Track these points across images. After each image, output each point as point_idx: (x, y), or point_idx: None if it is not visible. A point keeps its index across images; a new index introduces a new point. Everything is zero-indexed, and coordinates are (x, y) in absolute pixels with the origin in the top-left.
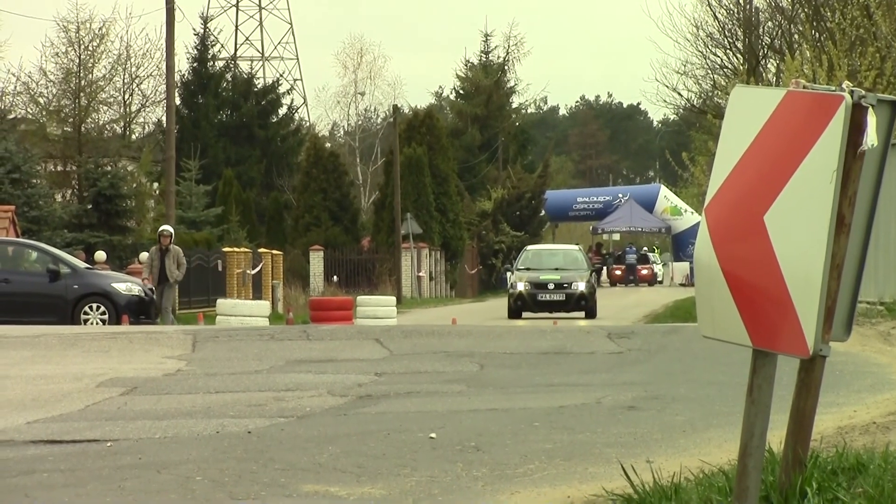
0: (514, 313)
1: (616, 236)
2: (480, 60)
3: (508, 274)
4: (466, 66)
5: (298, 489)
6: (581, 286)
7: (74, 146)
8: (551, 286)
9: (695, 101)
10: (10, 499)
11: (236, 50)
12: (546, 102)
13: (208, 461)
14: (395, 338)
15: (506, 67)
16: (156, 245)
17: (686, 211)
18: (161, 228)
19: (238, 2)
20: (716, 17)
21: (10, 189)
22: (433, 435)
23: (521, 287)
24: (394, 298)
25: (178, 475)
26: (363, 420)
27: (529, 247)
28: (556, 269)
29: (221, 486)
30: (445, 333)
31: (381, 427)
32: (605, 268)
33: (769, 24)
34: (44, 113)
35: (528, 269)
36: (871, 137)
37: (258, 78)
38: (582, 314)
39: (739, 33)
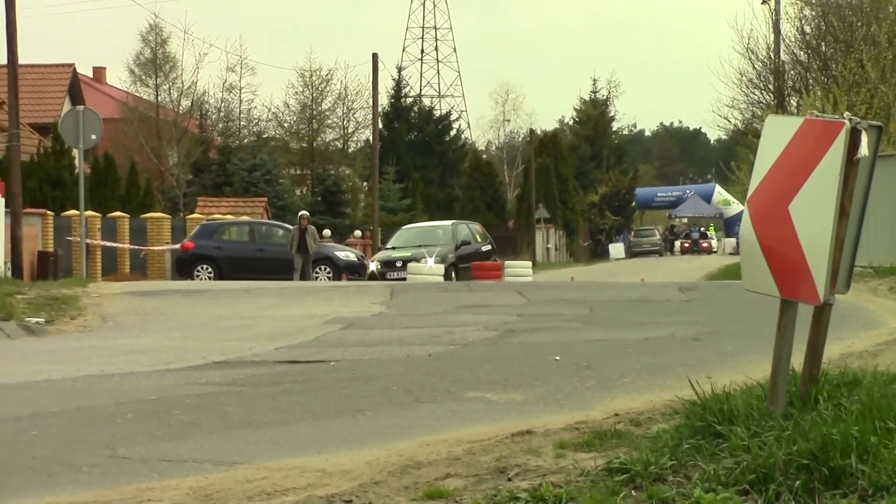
0: None
1: (685, 220)
2: (590, 97)
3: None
4: (581, 101)
5: (463, 395)
6: (430, 262)
7: (308, 156)
8: (399, 264)
9: (740, 126)
10: (263, 401)
11: (421, 90)
12: (636, 126)
13: (401, 375)
14: (531, 290)
15: (608, 102)
16: (297, 225)
17: (733, 202)
18: (300, 213)
19: (422, 57)
20: (754, 67)
21: (264, 186)
22: (557, 357)
23: (372, 267)
24: (530, 262)
25: (380, 385)
26: (508, 347)
27: (405, 226)
28: (419, 245)
29: (410, 393)
30: (566, 287)
31: (521, 352)
32: (677, 241)
33: (791, 72)
34: (287, 134)
35: (393, 247)
36: (863, 150)
37: (436, 110)
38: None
39: (771, 79)
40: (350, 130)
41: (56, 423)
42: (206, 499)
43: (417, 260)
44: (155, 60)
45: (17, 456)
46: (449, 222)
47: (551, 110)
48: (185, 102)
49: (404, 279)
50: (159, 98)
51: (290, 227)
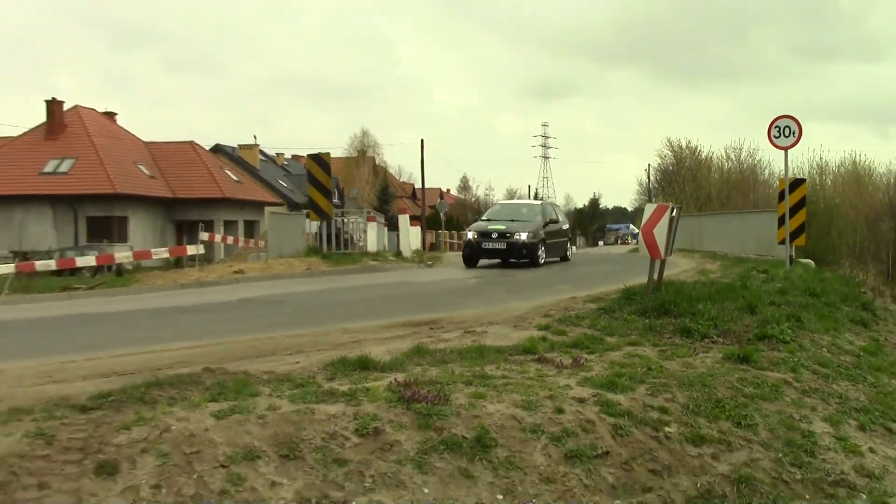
0: (467, 259)
1: (620, 232)
2: None
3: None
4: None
5: (556, 288)
6: (523, 237)
7: None
8: (495, 235)
9: (639, 205)
10: (493, 287)
11: None
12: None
13: (529, 284)
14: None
15: None
16: None
17: (637, 229)
18: None
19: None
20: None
21: None
22: (584, 277)
23: (470, 235)
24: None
25: (524, 285)
26: (572, 273)
27: (500, 201)
28: (512, 220)
29: (533, 288)
30: (601, 258)
31: (575, 276)
32: (618, 241)
33: (657, 189)
34: None
35: (488, 219)
36: (669, 214)
37: None
38: (527, 261)
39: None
40: None
41: (433, 290)
42: (490, 306)
43: (512, 234)
44: None
45: (404, 302)
46: (537, 202)
47: None
48: None
49: (503, 251)
50: None
51: None
